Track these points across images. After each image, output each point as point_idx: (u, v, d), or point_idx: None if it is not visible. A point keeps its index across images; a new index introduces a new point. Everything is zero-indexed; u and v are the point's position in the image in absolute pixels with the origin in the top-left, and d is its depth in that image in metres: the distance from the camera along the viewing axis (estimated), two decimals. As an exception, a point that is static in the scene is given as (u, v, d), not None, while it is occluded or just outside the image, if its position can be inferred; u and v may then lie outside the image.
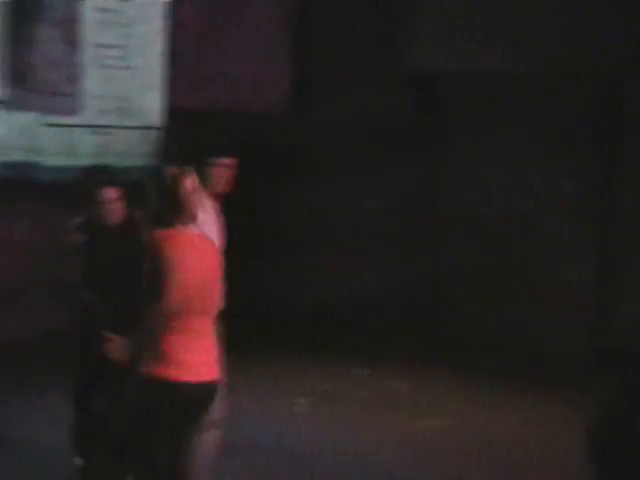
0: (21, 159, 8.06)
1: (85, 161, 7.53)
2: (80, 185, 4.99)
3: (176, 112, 8.81)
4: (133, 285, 4.29)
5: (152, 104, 8.92)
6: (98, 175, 5.04)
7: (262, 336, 8.26)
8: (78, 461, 4.80)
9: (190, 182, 4.03)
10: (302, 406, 6.83)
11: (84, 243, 4.80)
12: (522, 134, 8.91)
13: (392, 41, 9.41)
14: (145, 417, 3.80)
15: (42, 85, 8.18)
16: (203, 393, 3.89)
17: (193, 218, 4.01)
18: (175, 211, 3.95)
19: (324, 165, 9.55)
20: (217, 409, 4.39)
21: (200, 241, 4.03)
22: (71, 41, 8.33)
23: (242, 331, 4.97)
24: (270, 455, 5.90)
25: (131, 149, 8.77)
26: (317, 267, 9.51)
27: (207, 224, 4.45)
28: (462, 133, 9.18)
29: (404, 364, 8.13)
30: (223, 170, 4.70)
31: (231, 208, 4.83)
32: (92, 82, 8.59)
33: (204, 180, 4.58)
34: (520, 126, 8.88)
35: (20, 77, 8.05)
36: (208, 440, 4.51)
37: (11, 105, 8.01)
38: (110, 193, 4.93)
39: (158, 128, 8.95)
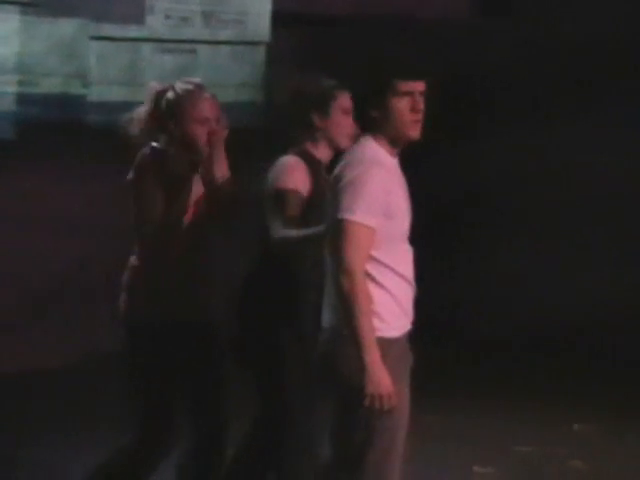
0: (59, 90, 6.95)
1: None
2: (302, 95, 4.14)
3: (291, 21, 7.51)
4: None
5: (256, 8, 7.70)
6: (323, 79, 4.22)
7: (435, 362, 6.69)
8: None
9: (208, 105, 4.05)
10: (488, 477, 5.69)
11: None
12: None
13: None
14: None
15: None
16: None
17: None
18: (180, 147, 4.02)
19: (523, 107, 7.74)
20: None
21: None
22: None
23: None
24: None
25: (225, 75, 7.60)
26: (514, 260, 7.82)
27: (395, 188, 3.64)
28: None
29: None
30: (416, 100, 3.63)
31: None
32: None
33: (386, 119, 3.61)
34: None
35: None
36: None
37: (44, 10, 6.87)
38: (348, 100, 4.06)
39: (266, 43, 7.80)
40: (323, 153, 4.12)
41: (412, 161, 4.50)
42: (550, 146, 7.78)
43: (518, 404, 6.69)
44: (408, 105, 3.57)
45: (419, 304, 3.71)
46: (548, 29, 7.70)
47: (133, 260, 4.06)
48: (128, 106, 5.63)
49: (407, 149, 3.74)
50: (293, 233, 4.03)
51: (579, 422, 6.43)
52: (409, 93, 3.58)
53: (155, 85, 4.21)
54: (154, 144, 4.15)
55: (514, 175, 7.82)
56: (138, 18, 7.13)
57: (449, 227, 7.99)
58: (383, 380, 3.50)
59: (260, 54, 7.68)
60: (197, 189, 4.10)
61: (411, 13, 7.47)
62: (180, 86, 4.13)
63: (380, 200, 3.55)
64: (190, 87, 4.15)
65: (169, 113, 4.07)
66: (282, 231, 4.04)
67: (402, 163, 3.80)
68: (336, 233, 3.57)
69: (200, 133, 4.08)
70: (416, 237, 3.83)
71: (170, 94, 4.11)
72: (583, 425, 6.39)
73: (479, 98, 7.98)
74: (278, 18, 7.59)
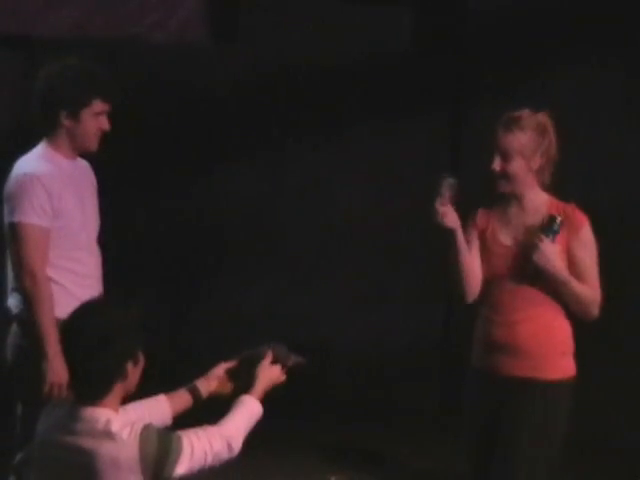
0: None
1: None
2: None
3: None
4: None
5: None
6: None
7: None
8: None
9: None
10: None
11: None
12: None
13: None
14: None
15: None
16: None
17: None
18: None
19: (256, 135, 6.78)
20: None
21: None
22: None
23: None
24: None
25: None
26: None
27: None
28: None
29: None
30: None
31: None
32: None
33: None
34: None
35: None
36: None
37: None
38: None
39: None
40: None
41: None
42: (286, 177, 6.90)
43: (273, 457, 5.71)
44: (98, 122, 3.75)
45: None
46: (276, 56, 6.81)
47: None
48: None
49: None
50: None
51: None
52: (101, 113, 3.75)
53: None
54: None
55: (248, 208, 6.89)
56: None
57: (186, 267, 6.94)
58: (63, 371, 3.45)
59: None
60: None
61: (146, 36, 6.43)
62: None
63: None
64: None
65: None
66: None
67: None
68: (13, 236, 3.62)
69: None
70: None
71: None
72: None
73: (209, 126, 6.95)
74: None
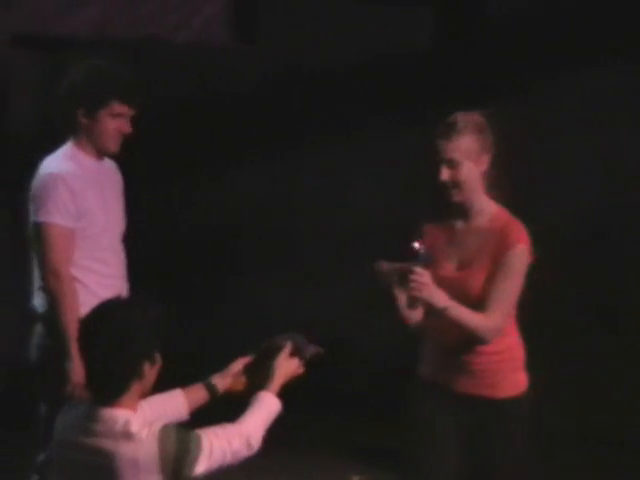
0: None
1: None
2: None
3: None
4: None
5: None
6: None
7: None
8: None
9: None
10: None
11: None
12: None
13: None
14: None
15: None
16: None
17: None
18: None
19: (274, 136, 6.68)
20: None
21: None
22: None
23: None
24: None
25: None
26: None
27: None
28: None
29: None
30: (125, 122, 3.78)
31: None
32: None
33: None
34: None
35: None
36: None
37: None
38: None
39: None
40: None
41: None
42: (303, 177, 6.83)
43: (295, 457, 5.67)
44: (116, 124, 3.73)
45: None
46: (295, 56, 6.71)
47: None
48: None
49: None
50: None
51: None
52: (120, 115, 3.73)
53: None
54: None
55: (265, 208, 6.81)
56: None
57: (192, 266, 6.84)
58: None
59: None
60: None
61: (168, 37, 6.50)
62: None
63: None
64: None
65: None
66: None
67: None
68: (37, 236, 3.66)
69: None
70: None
71: None
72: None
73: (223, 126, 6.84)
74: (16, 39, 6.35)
